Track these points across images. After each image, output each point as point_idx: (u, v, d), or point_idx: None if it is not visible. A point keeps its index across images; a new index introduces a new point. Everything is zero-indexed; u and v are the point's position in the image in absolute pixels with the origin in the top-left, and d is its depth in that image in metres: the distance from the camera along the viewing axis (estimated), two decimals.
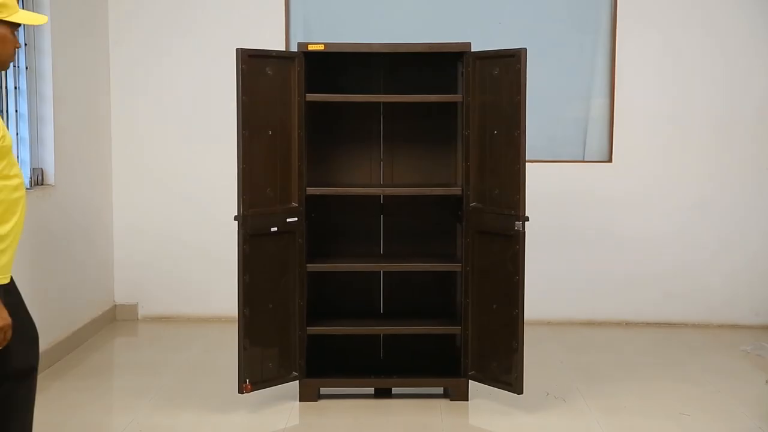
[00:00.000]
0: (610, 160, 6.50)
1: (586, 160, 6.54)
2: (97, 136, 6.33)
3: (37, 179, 5.53)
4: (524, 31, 6.47)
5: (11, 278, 3.33)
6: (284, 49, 6.37)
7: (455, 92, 4.79)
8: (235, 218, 4.53)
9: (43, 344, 5.38)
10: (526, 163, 6.42)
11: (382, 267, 4.99)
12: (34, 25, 3.57)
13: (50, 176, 5.59)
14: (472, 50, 4.67)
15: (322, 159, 4.97)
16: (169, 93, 6.48)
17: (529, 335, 6.24)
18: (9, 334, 3.22)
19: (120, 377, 5.50)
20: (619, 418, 4.69)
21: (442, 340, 5.05)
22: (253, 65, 4.47)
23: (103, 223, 6.42)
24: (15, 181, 3.24)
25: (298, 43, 4.76)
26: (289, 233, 4.70)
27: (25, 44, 5.38)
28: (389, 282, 5.14)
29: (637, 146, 6.47)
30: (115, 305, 6.59)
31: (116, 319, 6.57)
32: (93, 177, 6.24)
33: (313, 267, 4.80)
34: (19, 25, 3.36)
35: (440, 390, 4.99)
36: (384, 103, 4.96)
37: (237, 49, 4.46)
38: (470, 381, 4.87)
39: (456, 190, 4.77)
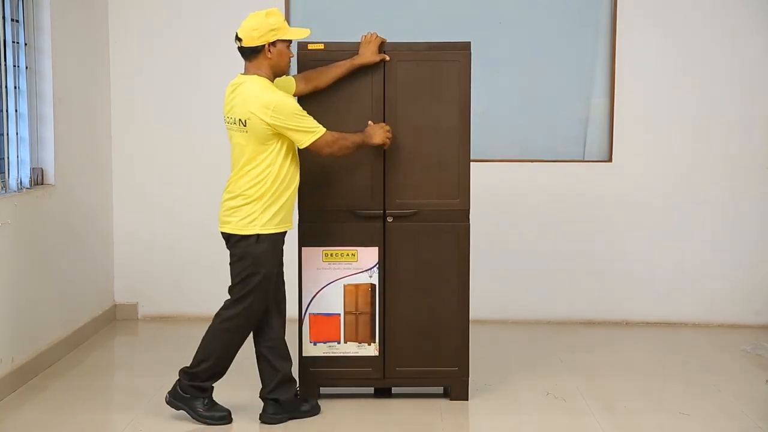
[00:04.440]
0: (610, 160, 6.49)
1: (586, 160, 6.54)
2: (97, 136, 6.33)
3: (37, 179, 5.53)
4: (524, 31, 6.48)
5: None
6: None
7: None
8: None
9: (43, 344, 5.40)
10: (526, 163, 6.42)
11: None
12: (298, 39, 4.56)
13: (50, 176, 5.59)
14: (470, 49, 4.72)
15: None
16: (169, 93, 6.48)
17: (529, 335, 6.27)
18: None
19: (120, 377, 5.51)
20: (619, 418, 4.69)
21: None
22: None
23: (103, 223, 6.42)
24: None
25: (298, 43, 4.77)
26: None
27: (25, 44, 5.39)
28: None
29: (637, 146, 6.47)
30: (115, 305, 6.59)
31: (116, 319, 6.57)
32: (93, 177, 6.24)
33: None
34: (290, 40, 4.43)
35: (440, 390, 4.99)
36: None
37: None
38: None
39: None
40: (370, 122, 4.64)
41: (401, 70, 4.76)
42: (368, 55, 4.68)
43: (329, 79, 4.69)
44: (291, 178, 4.45)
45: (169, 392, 4.59)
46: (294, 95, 4.63)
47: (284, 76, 4.53)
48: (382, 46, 4.72)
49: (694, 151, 6.48)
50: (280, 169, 4.39)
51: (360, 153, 4.72)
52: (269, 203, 4.39)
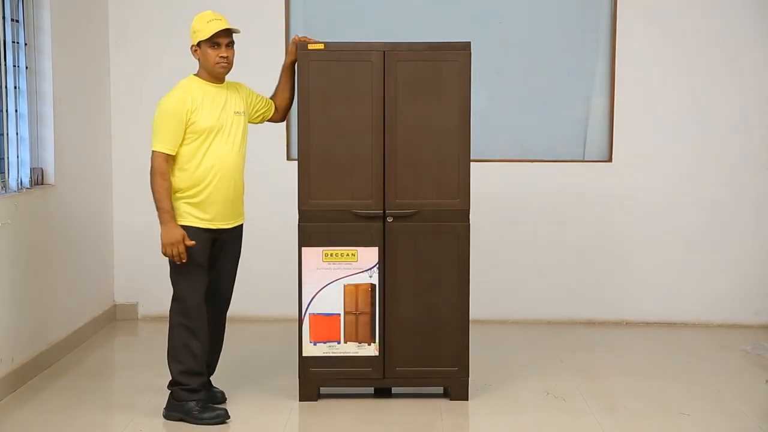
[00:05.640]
0: (610, 160, 6.50)
1: (586, 159, 6.54)
2: (97, 136, 6.33)
3: (37, 179, 5.53)
4: (524, 31, 6.48)
5: None
6: (283, 49, 6.37)
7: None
8: None
9: (43, 344, 5.40)
10: (526, 163, 6.42)
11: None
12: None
13: (50, 176, 5.59)
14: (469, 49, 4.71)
15: None
16: None
17: (529, 335, 6.27)
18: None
19: (120, 377, 5.51)
20: (619, 418, 4.69)
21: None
22: None
23: (103, 222, 6.42)
24: None
25: (299, 43, 4.76)
26: None
27: (25, 44, 5.39)
28: None
29: (637, 146, 6.47)
30: (115, 305, 6.59)
31: (116, 318, 6.57)
32: (93, 177, 6.24)
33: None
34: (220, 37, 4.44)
35: (440, 390, 4.99)
36: None
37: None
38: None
39: None
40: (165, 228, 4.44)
41: (401, 70, 4.76)
42: (290, 51, 4.77)
43: (280, 92, 4.84)
44: (195, 177, 4.46)
45: (164, 408, 4.58)
46: (279, 119, 4.88)
47: (219, 76, 4.55)
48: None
49: (694, 151, 6.48)
50: (186, 165, 4.45)
51: (360, 152, 4.74)
52: (180, 197, 4.46)
